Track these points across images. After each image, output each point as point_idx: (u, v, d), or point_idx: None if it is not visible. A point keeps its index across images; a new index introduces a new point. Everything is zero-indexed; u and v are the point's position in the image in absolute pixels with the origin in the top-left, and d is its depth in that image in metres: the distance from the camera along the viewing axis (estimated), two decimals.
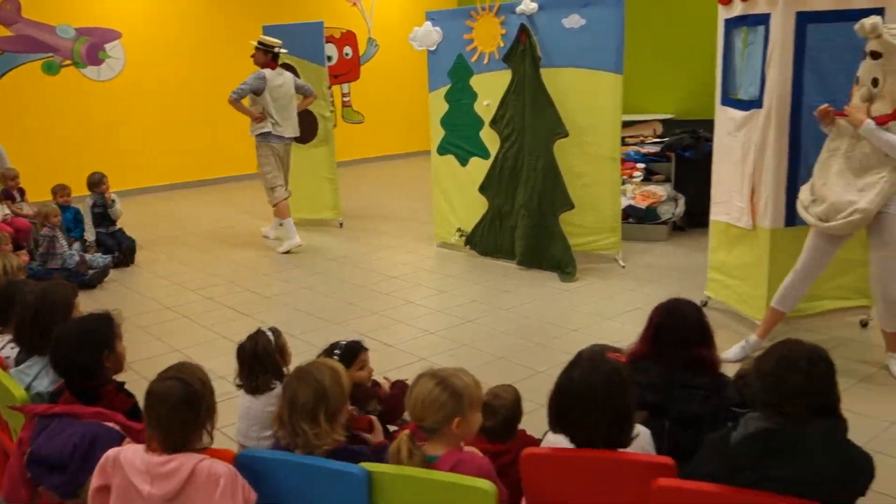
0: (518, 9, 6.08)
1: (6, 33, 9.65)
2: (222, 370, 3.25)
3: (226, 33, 11.06)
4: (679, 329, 2.75)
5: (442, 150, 6.99)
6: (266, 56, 7.06)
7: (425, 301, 5.68)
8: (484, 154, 6.62)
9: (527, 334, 4.90)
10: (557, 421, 2.17)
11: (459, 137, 6.82)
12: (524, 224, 6.27)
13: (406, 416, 2.44)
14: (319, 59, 7.83)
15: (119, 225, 7.69)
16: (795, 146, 4.39)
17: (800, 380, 1.91)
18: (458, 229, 6.96)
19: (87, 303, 5.97)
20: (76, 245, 7.31)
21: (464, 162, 6.83)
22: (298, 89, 7.31)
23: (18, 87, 9.81)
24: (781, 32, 4.27)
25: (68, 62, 10.16)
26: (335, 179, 8.14)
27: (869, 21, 3.65)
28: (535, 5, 6.02)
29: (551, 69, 6.09)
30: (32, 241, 7.04)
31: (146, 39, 10.71)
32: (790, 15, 4.23)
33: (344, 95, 12.74)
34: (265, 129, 7.10)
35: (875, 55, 3.71)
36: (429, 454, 2.22)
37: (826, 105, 3.94)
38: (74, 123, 10.21)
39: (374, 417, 2.77)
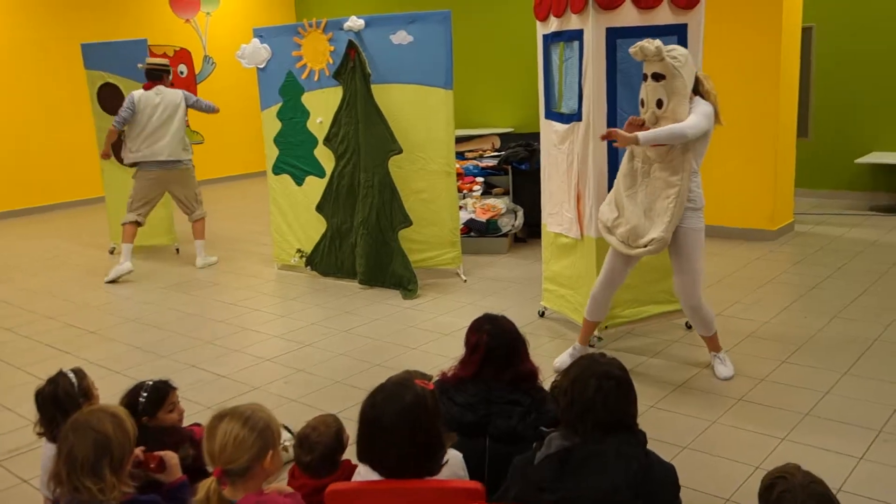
0: (345, 25, 6.01)
1: None
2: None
3: (39, 52, 10.36)
4: (503, 346, 2.74)
5: (277, 169, 6.79)
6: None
7: (262, 327, 5.46)
8: (319, 172, 6.49)
9: (366, 355, 4.80)
10: (364, 452, 2.08)
11: (293, 156, 6.65)
12: (363, 242, 6.17)
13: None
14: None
15: None
16: (613, 156, 4.54)
17: (588, 397, 1.91)
18: (298, 250, 6.78)
19: None
20: None
21: (299, 181, 6.67)
22: (193, 106, 6.98)
23: None
24: (594, 48, 4.41)
25: None
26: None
27: (653, 45, 3.75)
28: (361, 22, 5.97)
29: (382, 85, 6.05)
30: None
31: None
32: (601, 31, 4.38)
33: None
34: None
35: (658, 77, 3.82)
36: (231, 499, 2.08)
37: (609, 129, 3.95)
38: None
39: (165, 454, 2.57)
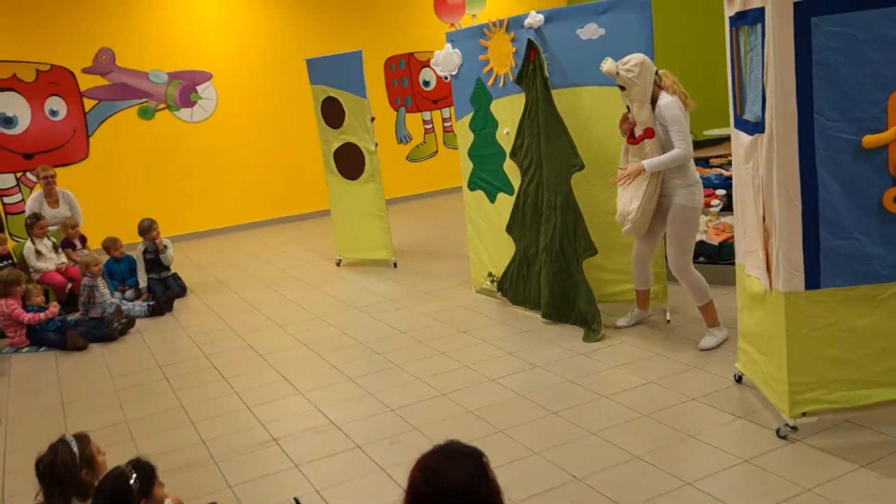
0: (525, 22, 5.24)
1: (103, 83, 10.03)
2: (175, 442, 2.78)
3: (282, 66, 10.91)
4: (436, 499, 1.90)
5: (472, 184, 6.23)
6: None
7: (411, 366, 4.95)
8: (509, 189, 5.80)
9: (488, 415, 4.05)
10: None
11: (485, 171, 6.04)
12: (546, 271, 5.38)
13: None
14: (360, 91, 7.33)
15: (174, 269, 7.65)
16: (810, 182, 3.26)
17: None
18: (490, 273, 6.17)
19: (101, 353, 5.86)
20: (129, 292, 7.32)
21: (492, 198, 6.04)
22: None
23: (115, 133, 10.17)
24: (777, 32, 3.17)
25: (163, 106, 10.41)
26: (384, 217, 7.59)
27: (604, 66, 4.43)
28: (541, 17, 5.15)
29: (568, 89, 5.19)
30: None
31: (235, 80, 10.78)
32: (786, 7, 3.13)
33: (445, 120, 12.22)
34: None
35: (621, 88, 4.45)
36: None
37: (620, 173, 4.64)
38: (169, 165, 10.45)
39: None
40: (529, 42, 5.19)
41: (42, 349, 6.17)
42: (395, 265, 7.69)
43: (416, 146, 12.19)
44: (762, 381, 3.78)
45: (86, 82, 9.95)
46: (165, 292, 7.19)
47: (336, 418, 4.24)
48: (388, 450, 3.82)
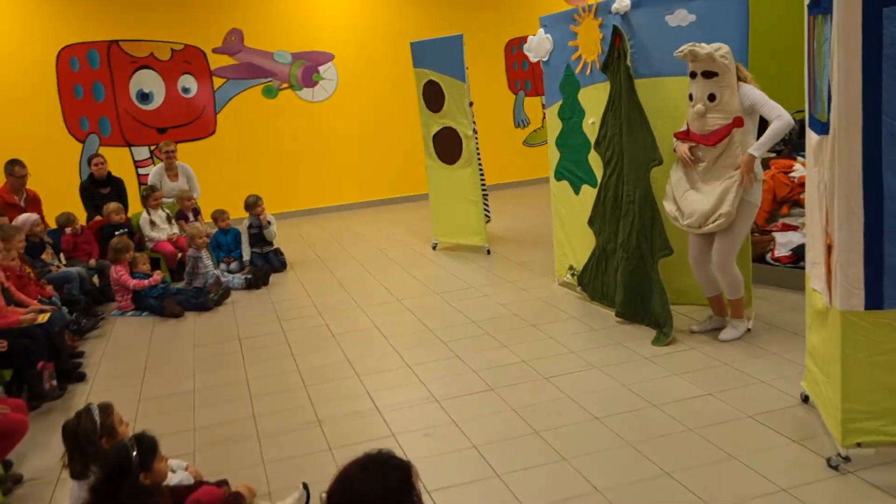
0: (612, 7, 5.00)
1: (230, 62, 10.52)
2: (229, 414, 2.97)
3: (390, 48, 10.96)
4: None
5: (558, 174, 6.07)
6: None
7: (470, 357, 4.89)
8: (593, 181, 5.60)
9: (532, 414, 3.95)
10: None
11: (571, 161, 5.86)
12: (623, 268, 5.15)
13: None
14: (460, 75, 7.29)
15: (277, 244, 7.94)
16: (874, 191, 2.92)
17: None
18: (570, 267, 6.00)
19: (193, 322, 6.20)
20: (234, 264, 7.68)
21: (577, 189, 5.86)
22: None
23: (241, 111, 10.65)
24: (844, 21, 2.85)
25: (286, 85, 10.80)
26: (479, 202, 7.53)
27: (704, 50, 4.17)
28: (628, 2, 4.90)
29: (654, 79, 4.93)
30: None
31: (357, 60, 11.00)
32: None
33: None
34: None
35: (710, 74, 4.23)
36: None
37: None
38: (288, 143, 10.84)
39: None
40: (615, 28, 4.96)
41: (144, 314, 6.58)
42: (489, 252, 7.63)
43: (534, 131, 12.01)
44: (822, 405, 3.47)
45: (216, 61, 10.46)
46: (263, 267, 7.47)
47: (382, 405, 4.27)
48: (420, 441, 3.80)
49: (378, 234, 9.28)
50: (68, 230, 7.12)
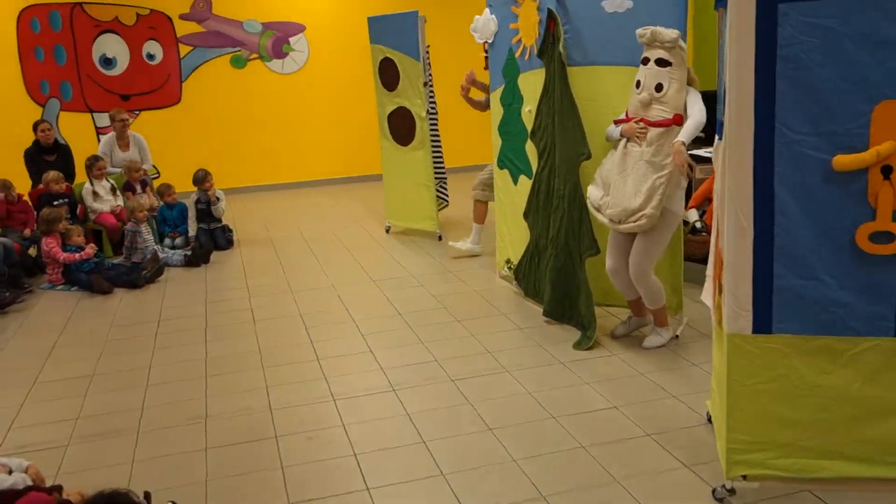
0: None
1: (198, 29, 10.23)
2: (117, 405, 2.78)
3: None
4: None
5: (500, 163, 5.81)
6: None
7: (380, 353, 4.68)
8: (529, 172, 5.35)
9: (421, 422, 3.73)
10: None
11: (511, 150, 5.60)
12: (552, 265, 4.92)
13: None
14: (415, 53, 7.00)
15: (226, 221, 7.72)
16: (765, 205, 2.67)
17: None
18: (507, 260, 5.77)
19: (120, 299, 6.00)
20: (179, 240, 7.46)
21: (515, 179, 5.61)
22: None
23: (207, 81, 10.38)
24: (737, 17, 2.58)
25: (255, 56, 10.52)
26: (431, 186, 7.28)
27: (670, 33, 3.92)
28: None
29: (588, 68, 4.65)
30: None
31: (328, 33, 10.69)
32: None
33: None
34: None
35: (664, 63, 3.97)
36: None
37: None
38: (255, 115, 10.57)
39: None
40: (549, 12, 4.68)
41: (74, 289, 6.38)
42: (440, 238, 7.40)
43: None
44: (717, 429, 3.24)
45: (182, 28, 10.18)
46: (205, 245, 7.25)
47: (275, 402, 4.06)
48: (303, 445, 3.60)
49: (336, 213, 9.05)
50: (0, 195, 6.90)
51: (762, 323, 2.77)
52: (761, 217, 2.68)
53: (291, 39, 10.61)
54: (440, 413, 3.83)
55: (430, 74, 7.69)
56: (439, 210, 8.20)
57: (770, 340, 2.78)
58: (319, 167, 11.00)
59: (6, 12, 9.57)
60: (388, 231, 7.87)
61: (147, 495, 2.96)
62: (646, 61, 4.03)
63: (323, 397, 4.09)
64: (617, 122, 4.28)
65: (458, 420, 3.75)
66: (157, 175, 9.00)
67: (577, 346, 4.58)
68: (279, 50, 10.58)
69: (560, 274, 4.87)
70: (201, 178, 7.65)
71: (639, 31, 4.02)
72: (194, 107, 10.33)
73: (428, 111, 7.15)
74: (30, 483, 2.95)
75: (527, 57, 5.16)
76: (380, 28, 7.37)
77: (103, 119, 10.05)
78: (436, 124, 7.68)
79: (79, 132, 9.76)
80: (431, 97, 7.67)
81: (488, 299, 5.57)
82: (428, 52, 7.70)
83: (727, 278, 2.79)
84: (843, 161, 2.55)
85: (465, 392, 4.05)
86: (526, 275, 5.41)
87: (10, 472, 2.99)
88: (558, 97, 4.69)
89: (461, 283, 5.98)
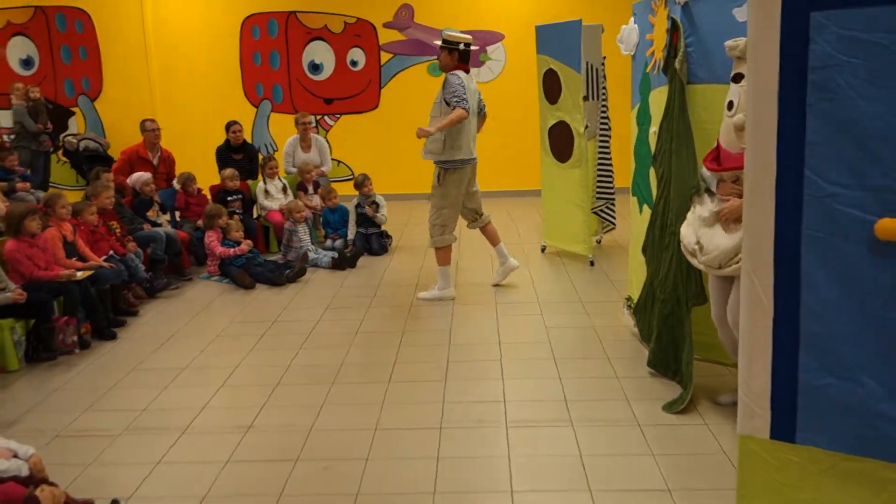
0: None
1: (399, 37, 10.48)
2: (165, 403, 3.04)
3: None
4: None
5: (632, 188, 5.23)
6: (452, 56, 6.07)
7: (451, 386, 4.36)
8: (650, 201, 4.74)
9: (443, 476, 3.39)
10: None
11: (639, 175, 5.01)
12: (660, 310, 4.31)
13: None
14: (575, 64, 6.57)
15: (388, 227, 7.81)
16: (789, 276, 2.04)
17: None
18: (628, 297, 5.18)
19: (257, 296, 6.24)
20: (338, 242, 7.68)
21: (640, 208, 5.01)
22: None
23: (404, 88, 10.60)
24: (756, 32, 2.00)
25: None
26: (587, 208, 6.79)
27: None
28: None
29: (713, 86, 3.99)
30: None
31: (527, 42, 10.42)
32: None
33: None
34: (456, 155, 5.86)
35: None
36: None
37: None
38: None
39: None
40: (672, 22, 4.08)
41: (226, 281, 6.75)
42: (592, 264, 6.87)
43: None
44: None
45: (385, 36, 10.47)
46: (355, 249, 7.35)
47: (258, 424, 3.95)
48: (319, 475, 3.42)
49: (503, 226, 8.75)
50: (177, 187, 7.50)
51: (783, 428, 2.13)
52: (784, 291, 2.05)
53: (489, 48, 10.51)
54: (469, 464, 3.47)
55: (605, 88, 7.20)
56: (605, 232, 7.68)
57: (793, 451, 2.13)
58: (508, 178, 10.79)
59: (233, 20, 10.45)
60: (543, 251, 7.47)
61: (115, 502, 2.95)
62: (738, 78, 3.41)
63: (361, 428, 3.88)
64: (707, 163, 3.63)
65: (482, 476, 3.36)
66: (351, 177, 9.37)
67: (667, 408, 3.95)
68: (476, 59, 10.51)
69: (667, 322, 4.24)
70: (360, 183, 7.78)
71: (729, 43, 3.44)
72: (390, 112, 10.58)
73: (600, 127, 6.67)
74: (26, 473, 3.06)
75: (656, 71, 4.56)
76: (545, 37, 7.01)
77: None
78: (606, 142, 7.17)
79: (286, 132, 10.38)
80: (604, 112, 7.17)
81: (601, 338, 5.03)
82: (603, 64, 7.21)
83: (741, 363, 2.17)
84: (889, 227, 1.86)
85: (512, 442, 3.64)
86: (641, 316, 4.80)
87: (15, 457, 3.12)
88: (675, 119, 4.08)
89: (584, 317, 5.47)
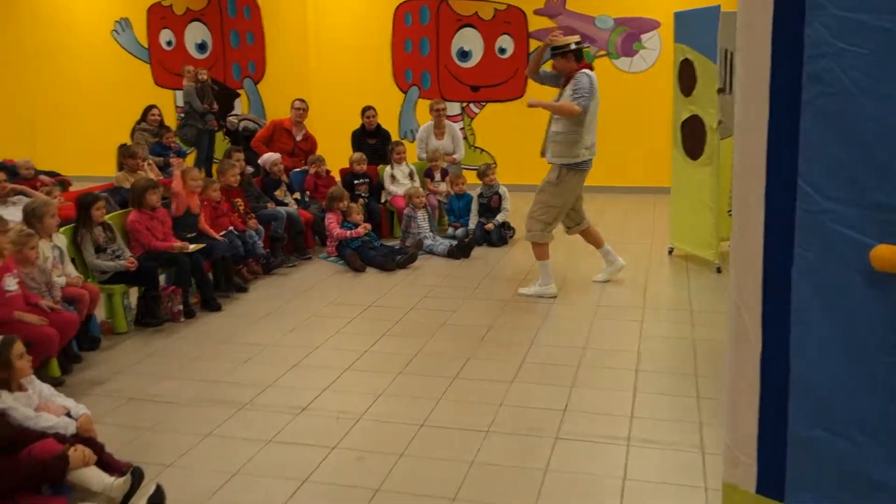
0: None
1: (550, 24, 10.22)
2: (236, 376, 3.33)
3: None
4: None
5: None
6: (568, 59, 5.77)
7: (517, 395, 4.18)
8: None
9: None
10: None
11: None
12: None
13: None
14: (711, 54, 6.07)
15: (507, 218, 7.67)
16: (778, 308, 1.73)
17: None
18: None
19: (363, 280, 6.35)
20: (460, 230, 7.66)
21: None
22: None
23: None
24: (746, 13, 1.69)
25: (602, 53, 10.16)
26: (716, 210, 6.28)
27: None
28: None
29: None
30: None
31: None
32: None
33: None
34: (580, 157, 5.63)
35: None
36: None
37: None
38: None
39: None
40: None
41: (341, 262, 6.90)
42: (719, 271, 6.36)
43: None
44: None
45: (535, 23, 10.25)
46: (471, 239, 7.26)
47: (313, 406, 3.96)
48: (351, 465, 3.40)
49: (634, 224, 8.34)
50: (311, 170, 7.74)
51: (770, 482, 1.82)
52: (773, 325, 1.74)
53: (643, 36, 9.99)
54: (497, 470, 3.29)
55: None
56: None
57: None
58: (649, 173, 10.25)
59: (387, 7, 10.64)
60: (670, 253, 7.01)
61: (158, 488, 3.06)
62: None
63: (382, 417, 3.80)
64: None
65: (507, 484, 3.18)
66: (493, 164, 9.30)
67: None
68: (629, 47, 10.06)
69: None
70: (483, 172, 7.67)
71: None
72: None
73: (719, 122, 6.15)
74: (72, 431, 3.25)
75: None
76: (683, 25, 6.54)
77: (453, 108, 10.65)
78: None
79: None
80: None
81: (697, 352, 4.62)
82: None
83: (726, 402, 1.87)
84: (886, 256, 1.51)
85: (555, 454, 3.42)
86: None
87: (68, 414, 3.33)
88: None
89: (687, 327, 5.07)
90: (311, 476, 3.29)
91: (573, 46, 5.63)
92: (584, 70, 5.66)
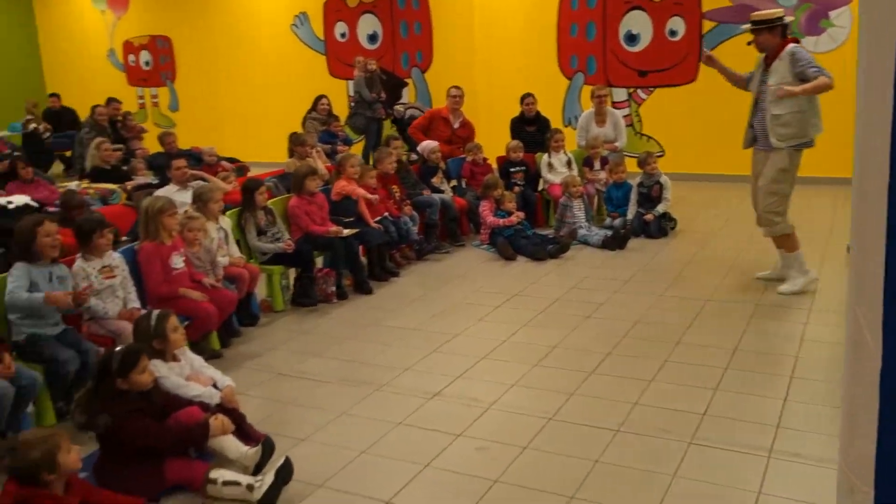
0: None
1: (725, 3, 9.67)
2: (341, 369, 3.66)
3: None
4: None
5: None
6: (775, 33, 5.39)
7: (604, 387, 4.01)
8: None
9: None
10: None
11: None
12: None
13: None
14: None
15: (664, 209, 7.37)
16: None
17: None
18: None
19: (509, 269, 6.38)
20: (618, 221, 7.50)
21: None
22: None
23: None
24: (870, 14, 1.51)
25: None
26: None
27: None
28: None
29: None
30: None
31: None
32: None
33: None
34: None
35: None
36: None
37: None
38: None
39: None
40: None
41: (492, 250, 6.93)
42: (849, 249, 5.73)
43: None
44: None
45: (709, 2, 9.73)
46: (628, 230, 7.04)
47: (445, 392, 3.91)
48: (472, 454, 3.43)
49: (812, 216, 7.72)
50: (468, 158, 7.81)
51: None
52: (894, 334, 1.55)
53: (832, 13, 9.20)
54: (620, 472, 3.18)
55: None
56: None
57: None
58: (835, 163, 9.43)
59: None
60: (848, 251, 6.40)
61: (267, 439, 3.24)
62: None
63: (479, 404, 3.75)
64: None
65: (627, 486, 3.07)
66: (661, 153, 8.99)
67: None
68: (814, 25, 9.30)
69: None
70: (643, 160, 7.41)
71: None
72: (709, 86, 9.83)
73: None
74: (216, 401, 3.49)
75: None
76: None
77: (619, 94, 10.37)
78: None
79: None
80: None
81: (795, 359, 4.20)
82: None
83: (841, 421, 1.70)
84: None
85: (686, 459, 3.26)
86: None
87: (214, 386, 3.58)
88: None
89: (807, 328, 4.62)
90: (433, 462, 3.33)
91: (786, 19, 5.28)
92: (793, 45, 5.28)
